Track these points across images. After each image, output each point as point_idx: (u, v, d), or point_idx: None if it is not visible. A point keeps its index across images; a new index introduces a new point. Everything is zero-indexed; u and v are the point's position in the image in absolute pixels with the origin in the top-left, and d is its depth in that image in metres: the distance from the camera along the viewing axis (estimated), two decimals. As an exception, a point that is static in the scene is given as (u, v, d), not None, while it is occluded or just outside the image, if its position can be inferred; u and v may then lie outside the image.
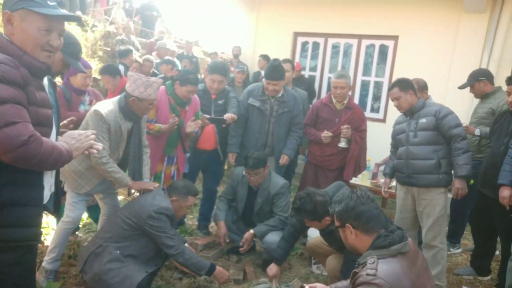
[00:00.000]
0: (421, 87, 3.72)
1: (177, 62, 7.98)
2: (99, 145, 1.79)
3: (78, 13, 8.06)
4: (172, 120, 3.27)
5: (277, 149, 3.80)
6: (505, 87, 3.14)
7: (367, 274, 1.61)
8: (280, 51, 7.18)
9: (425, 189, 3.09)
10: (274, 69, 3.62)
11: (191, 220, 4.36)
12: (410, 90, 3.14)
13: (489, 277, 3.48)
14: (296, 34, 7.22)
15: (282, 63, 3.99)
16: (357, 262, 1.78)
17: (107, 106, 2.76)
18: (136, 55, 6.90)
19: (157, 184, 2.99)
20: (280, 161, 3.80)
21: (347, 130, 3.75)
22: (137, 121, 2.90)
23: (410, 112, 3.16)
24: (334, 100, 3.90)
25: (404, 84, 3.15)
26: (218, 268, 2.80)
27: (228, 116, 3.60)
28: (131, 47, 6.64)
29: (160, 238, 2.62)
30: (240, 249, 3.33)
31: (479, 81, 3.78)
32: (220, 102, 3.82)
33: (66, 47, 2.03)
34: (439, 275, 3.10)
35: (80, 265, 2.67)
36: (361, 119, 3.92)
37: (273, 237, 3.25)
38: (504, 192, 2.81)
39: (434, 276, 3.06)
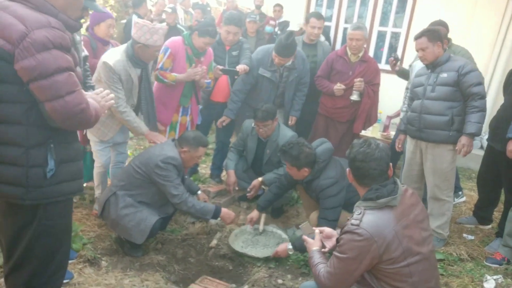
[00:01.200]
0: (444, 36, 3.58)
1: (192, 12, 7.83)
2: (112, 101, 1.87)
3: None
4: (192, 70, 3.28)
5: (287, 108, 3.90)
6: None
7: (352, 224, 1.71)
8: (295, 0, 6.95)
9: (433, 145, 3.09)
10: (286, 47, 3.47)
11: (204, 169, 4.53)
12: (439, 41, 3.00)
13: (489, 226, 3.58)
14: (312, -18, 6.93)
15: (316, 19, 3.97)
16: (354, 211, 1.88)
17: (115, 56, 2.84)
18: (149, 4, 6.78)
19: (165, 139, 3.11)
20: (289, 122, 3.89)
21: (360, 83, 3.73)
22: (145, 67, 3.01)
23: (433, 65, 3.05)
24: (349, 53, 3.85)
25: (433, 34, 3.00)
26: (223, 210, 2.95)
27: (240, 67, 3.61)
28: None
29: (165, 187, 2.75)
30: (248, 194, 3.48)
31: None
32: (234, 53, 3.83)
33: None
34: (443, 226, 3.21)
35: (99, 211, 2.86)
36: (375, 73, 3.88)
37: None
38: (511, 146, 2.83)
39: (438, 227, 3.18)
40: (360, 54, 3.83)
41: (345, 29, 6.79)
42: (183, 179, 3.00)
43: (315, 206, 3.06)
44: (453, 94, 2.97)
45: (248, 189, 3.47)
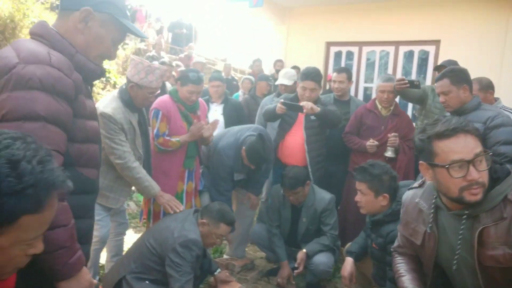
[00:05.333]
0: (484, 87, 3.24)
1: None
2: None
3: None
4: (195, 126, 2.87)
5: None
6: None
7: None
8: (313, 62, 6.95)
9: None
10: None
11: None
12: (465, 84, 2.51)
13: None
14: (329, 44, 6.99)
15: (337, 73, 3.91)
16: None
17: (110, 104, 2.47)
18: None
19: (182, 207, 2.67)
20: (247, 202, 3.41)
21: (394, 138, 3.40)
22: (141, 111, 2.65)
23: (457, 113, 2.52)
24: (379, 106, 3.59)
25: (458, 76, 2.51)
26: None
27: (305, 103, 3.12)
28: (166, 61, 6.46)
29: (171, 277, 2.30)
30: (296, 271, 3.00)
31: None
32: None
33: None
34: None
35: None
36: (409, 127, 3.59)
37: (321, 258, 2.96)
38: None
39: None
40: (392, 108, 3.57)
41: (365, 89, 6.72)
42: (204, 255, 2.60)
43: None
44: None
45: (296, 265, 3.00)
